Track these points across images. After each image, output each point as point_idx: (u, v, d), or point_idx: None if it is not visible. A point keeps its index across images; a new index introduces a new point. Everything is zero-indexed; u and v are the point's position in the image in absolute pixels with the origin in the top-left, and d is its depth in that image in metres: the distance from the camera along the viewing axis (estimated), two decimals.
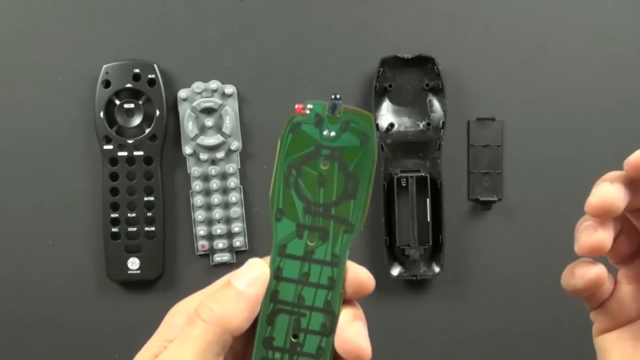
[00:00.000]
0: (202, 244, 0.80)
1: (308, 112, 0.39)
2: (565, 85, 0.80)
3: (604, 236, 0.39)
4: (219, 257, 0.81)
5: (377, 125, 0.79)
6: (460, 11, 0.80)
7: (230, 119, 0.78)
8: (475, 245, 0.81)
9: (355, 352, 0.38)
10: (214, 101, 0.78)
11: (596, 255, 0.39)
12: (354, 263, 0.40)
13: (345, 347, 0.38)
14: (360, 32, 0.80)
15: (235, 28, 0.79)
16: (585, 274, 0.40)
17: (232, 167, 0.79)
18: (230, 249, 0.81)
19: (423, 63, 0.79)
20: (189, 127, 0.78)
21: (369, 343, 0.38)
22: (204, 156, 0.79)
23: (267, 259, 0.40)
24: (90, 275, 0.81)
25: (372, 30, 0.80)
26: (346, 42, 0.80)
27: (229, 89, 0.78)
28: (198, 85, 0.78)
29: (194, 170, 0.79)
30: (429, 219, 0.79)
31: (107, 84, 0.77)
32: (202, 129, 0.79)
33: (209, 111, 0.79)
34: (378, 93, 0.79)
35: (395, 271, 0.80)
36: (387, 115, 0.80)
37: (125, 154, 0.78)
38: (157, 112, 0.78)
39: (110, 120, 0.78)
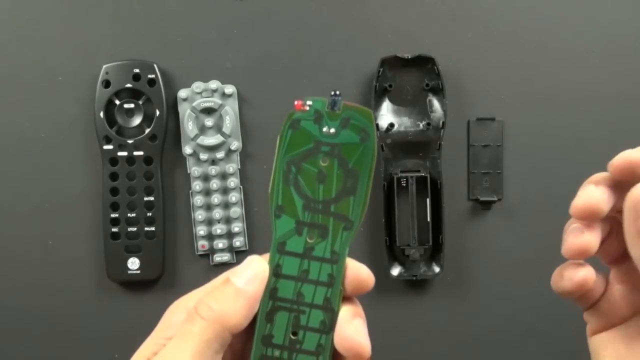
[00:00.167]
0: (202, 244, 0.80)
1: (307, 108, 0.39)
2: (565, 85, 0.80)
3: (590, 239, 0.39)
4: (219, 257, 0.81)
5: (377, 125, 0.79)
6: (460, 11, 0.80)
7: (230, 119, 0.78)
8: (475, 245, 0.81)
9: (354, 350, 0.38)
10: (214, 101, 0.78)
11: (582, 258, 0.39)
12: (353, 260, 0.40)
13: (345, 344, 0.38)
14: (360, 32, 0.80)
15: (235, 28, 0.80)
16: (573, 276, 0.40)
17: (232, 167, 0.79)
18: (230, 249, 0.81)
19: (423, 63, 0.79)
20: (189, 127, 0.78)
21: (369, 340, 0.38)
22: (204, 156, 0.79)
23: (267, 256, 0.40)
24: (90, 275, 0.81)
25: (372, 30, 0.80)
26: (346, 42, 0.80)
27: (229, 89, 0.78)
28: (198, 85, 0.78)
29: (194, 170, 0.79)
30: (429, 219, 0.79)
31: (107, 84, 0.77)
32: (202, 129, 0.79)
33: (209, 111, 0.79)
34: (378, 93, 0.79)
35: (395, 271, 0.80)
36: (387, 115, 0.80)
37: (125, 154, 0.78)
38: (157, 112, 0.78)
39: (110, 120, 0.78)
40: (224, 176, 0.80)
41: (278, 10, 0.80)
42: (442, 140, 0.78)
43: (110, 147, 0.78)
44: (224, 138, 0.78)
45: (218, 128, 0.79)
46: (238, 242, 0.80)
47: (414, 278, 0.79)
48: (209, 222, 0.80)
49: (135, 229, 0.79)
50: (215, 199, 0.79)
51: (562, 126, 0.80)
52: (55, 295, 0.81)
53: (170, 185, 0.81)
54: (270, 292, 0.39)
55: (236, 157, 0.80)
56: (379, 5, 0.79)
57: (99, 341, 0.81)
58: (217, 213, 0.80)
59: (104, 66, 0.77)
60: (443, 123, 0.78)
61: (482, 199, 0.79)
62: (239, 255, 0.81)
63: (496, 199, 0.79)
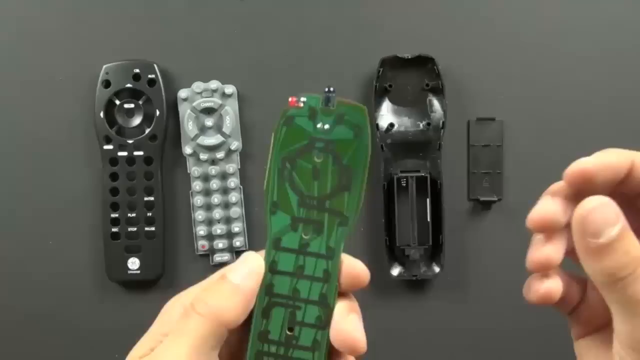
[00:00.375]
0: (202, 244, 0.80)
1: (302, 105, 0.40)
2: (566, 85, 0.79)
3: (550, 251, 0.38)
4: (219, 257, 0.81)
5: (377, 125, 0.79)
6: (460, 11, 0.80)
7: (230, 119, 0.78)
8: (475, 245, 0.81)
9: (350, 345, 0.38)
10: (214, 101, 0.78)
11: (545, 270, 0.39)
12: (348, 256, 0.40)
13: (341, 340, 0.38)
14: (360, 32, 0.80)
15: (235, 28, 0.80)
16: (538, 289, 0.39)
17: (232, 167, 0.79)
18: (230, 249, 0.81)
19: (423, 63, 0.78)
20: (189, 127, 0.78)
21: (365, 335, 0.38)
22: (204, 156, 0.79)
23: (262, 252, 0.40)
24: (90, 275, 0.81)
25: (372, 30, 0.80)
26: (346, 42, 0.80)
27: (229, 89, 0.78)
28: (198, 85, 0.78)
29: (194, 170, 0.79)
30: (429, 219, 0.79)
31: (107, 84, 0.78)
32: (202, 129, 0.79)
33: (209, 111, 0.79)
34: (378, 93, 0.79)
35: (395, 271, 0.79)
36: (387, 115, 0.80)
37: (125, 154, 0.78)
38: (157, 112, 0.78)
39: (110, 120, 0.78)
40: (224, 176, 0.80)
41: (278, 10, 0.80)
42: (442, 140, 0.78)
43: (110, 147, 0.78)
44: (224, 138, 0.78)
45: (218, 128, 0.79)
46: (238, 242, 0.80)
47: (414, 278, 0.79)
48: (209, 222, 0.80)
49: (135, 229, 0.79)
50: (215, 199, 0.79)
51: (562, 126, 0.80)
52: (55, 295, 0.82)
53: (170, 185, 0.81)
54: (266, 288, 0.39)
55: (236, 157, 0.80)
56: (379, 5, 0.80)
57: (98, 341, 0.82)
58: (217, 213, 0.80)
59: (104, 66, 0.77)
60: (443, 123, 0.78)
61: (482, 199, 0.79)
62: (239, 255, 0.81)
63: (496, 199, 0.79)
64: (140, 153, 0.78)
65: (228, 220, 0.80)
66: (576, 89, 0.79)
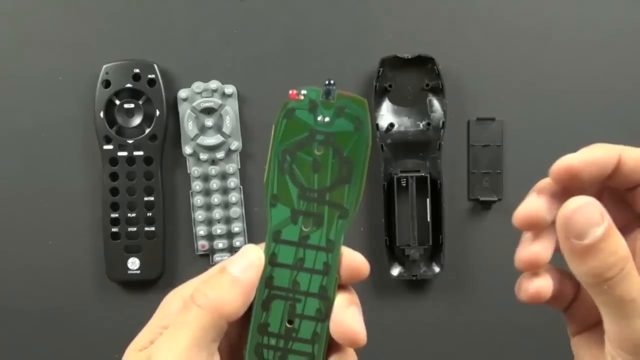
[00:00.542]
0: (202, 244, 0.80)
1: (302, 97, 0.40)
2: (566, 85, 0.79)
3: (538, 249, 0.38)
4: (219, 257, 0.81)
5: (377, 125, 0.79)
6: (460, 11, 0.80)
7: (230, 119, 0.78)
8: (475, 245, 0.81)
9: (350, 337, 0.38)
10: (214, 101, 0.78)
11: (533, 269, 0.38)
12: (348, 248, 0.40)
13: (341, 332, 0.38)
14: (360, 32, 0.80)
15: (235, 28, 0.80)
16: (527, 288, 0.38)
17: (232, 167, 0.79)
18: (230, 249, 0.81)
19: (423, 63, 0.79)
20: (189, 127, 0.78)
21: (364, 328, 0.38)
22: (204, 156, 0.79)
23: (263, 245, 0.40)
24: (90, 275, 0.81)
25: (372, 30, 0.80)
26: (346, 42, 0.80)
27: (229, 89, 0.78)
28: (198, 85, 0.78)
29: (194, 170, 0.79)
30: (429, 219, 0.79)
31: (107, 84, 0.78)
32: (202, 129, 0.79)
33: (209, 111, 0.79)
34: (378, 93, 0.79)
35: (395, 271, 0.79)
36: (387, 115, 0.80)
37: (125, 154, 0.78)
38: (157, 112, 0.78)
39: (110, 120, 0.78)
40: (224, 176, 0.80)
41: (278, 10, 0.80)
42: (442, 140, 0.78)
43: (110, 147, 0.78)
44: (224, 138, 0.78)
45: (218, 128, 0.79)
46: (238, 242, 0.80)
47: (414, 278, 0.79)
48: (209, 222, 0.80)
49: (135, 229, 0.79)
50: (215, 199, 0.79)
51: (562, 126, 0.80)
52: (55, 295, 0.81)
53: (170, 185, 0.81)
54: (266, 281, 0.39)
55: (236, 157, 0.80)
56: (379, 5, 0.80)
57: (99, 341, 0.82)
58: (217, 213, 0.80)
59: (104, 66, 0.78)
60: (443, 123, 0.78)
61: (482, 199, 0.79)
62: None
63: (496, 199, 0.79)
64: (140, 153, 0.78)
65: (228, 220, 0.80)
66: (576, 89, 0.79)
